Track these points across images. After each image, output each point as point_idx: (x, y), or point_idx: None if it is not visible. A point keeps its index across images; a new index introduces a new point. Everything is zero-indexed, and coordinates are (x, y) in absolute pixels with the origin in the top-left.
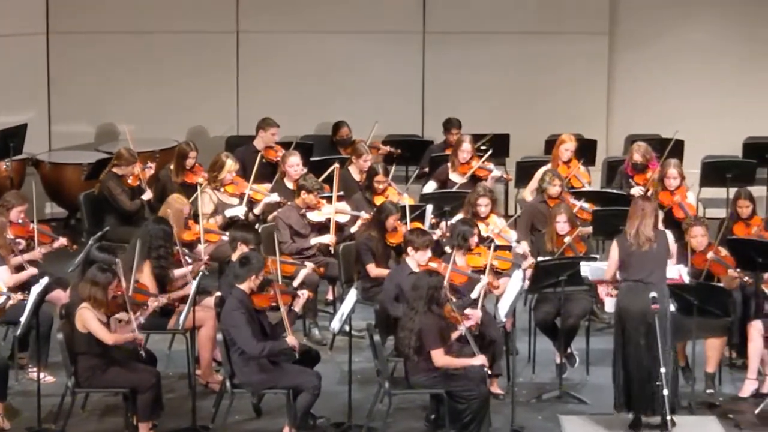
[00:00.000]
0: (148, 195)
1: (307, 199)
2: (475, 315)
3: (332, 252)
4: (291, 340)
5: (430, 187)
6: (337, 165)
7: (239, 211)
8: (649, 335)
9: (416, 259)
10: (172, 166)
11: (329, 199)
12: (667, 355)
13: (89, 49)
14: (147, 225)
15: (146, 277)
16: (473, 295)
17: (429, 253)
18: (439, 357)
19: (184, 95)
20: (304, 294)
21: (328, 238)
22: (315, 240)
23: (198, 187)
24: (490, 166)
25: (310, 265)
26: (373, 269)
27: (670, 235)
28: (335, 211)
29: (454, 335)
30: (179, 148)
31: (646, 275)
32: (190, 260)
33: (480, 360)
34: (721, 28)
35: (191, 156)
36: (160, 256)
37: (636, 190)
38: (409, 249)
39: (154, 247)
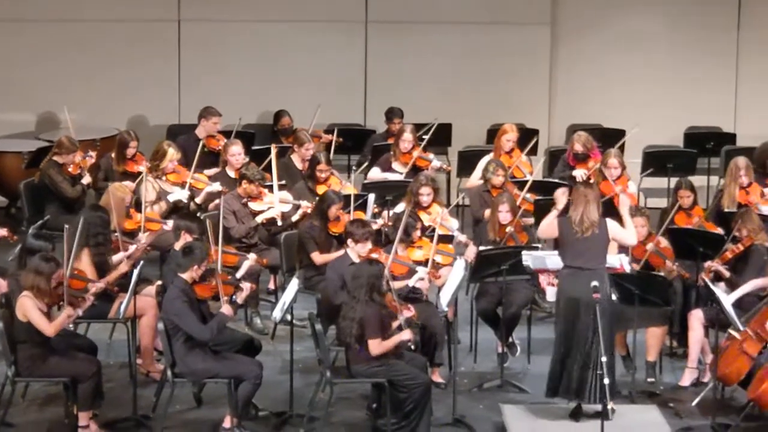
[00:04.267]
0: (87, 179)
1: (248, 189)
2: (424, 282)
3: (278, 227)
4: (227, 309)
5: (375, 173)
6: (274, 145)
7: (182, 195)
8: (590, 323)
9: (356, 251)
10: (113, 155)
11: (272, 189)
12: (608, 343)
13: (31, 38)
14: (83, 213)
15: (85, 265)
16: (410, 283)
17: (369, 245)
18: (376, 346)
19: (126, 84)
20: (246, 287)
21: (275, 212)
22: (261, 216)
23: (140, 175)
24: (430, 156)
25: (252, 257)
26: (318, 257)
27: (611, 223)
28: (278, 200)
29: (395, 324)
30: (120, 136)
31: (586, 261)
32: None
33: (407, 334)
34: (663, 19)
35: (132, 145)
36: (99, 244)
37: (578, 173)
38: (349, 241)
39: (92, 235)
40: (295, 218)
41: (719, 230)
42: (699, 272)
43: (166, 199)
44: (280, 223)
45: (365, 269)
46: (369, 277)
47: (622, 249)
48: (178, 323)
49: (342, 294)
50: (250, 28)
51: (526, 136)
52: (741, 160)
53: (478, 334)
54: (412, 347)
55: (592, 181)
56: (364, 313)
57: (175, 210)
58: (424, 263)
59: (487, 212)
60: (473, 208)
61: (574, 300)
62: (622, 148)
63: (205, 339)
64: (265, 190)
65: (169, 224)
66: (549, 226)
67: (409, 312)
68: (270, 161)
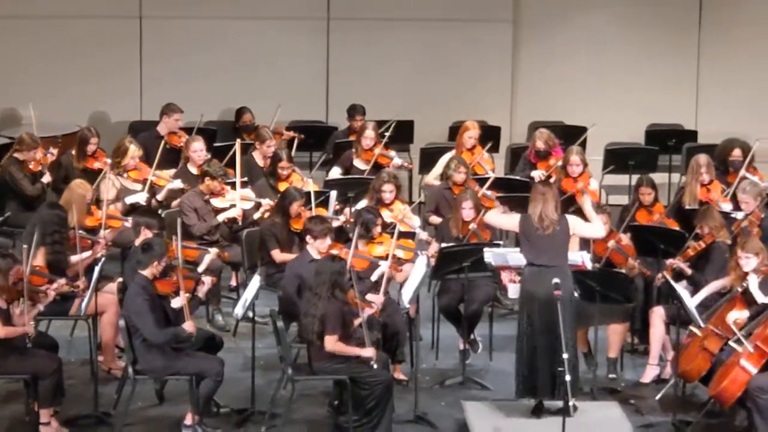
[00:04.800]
0: (47, 178)
1: (211, 186)
2: (377, 299)
3: (236, 233)
4: (189, 326)
5: (335, 173)
6: (238, 142)
7: (140, 198)
8: (552, 321)
9: (316, 247)
10: (73, 152)
11: (234, 186)
12: (569, 340)
13: None
14: (41, 211)
15: (41, 263)
16: (373, 278)
17: (328, 241)
18: (331, 342)
19: (87, 80)
20: (207, 280)
21: (235, 212)
22: (222, 216)
23: (101, 172)
24: (392, 153)
25: (213, 251)
26: (278, 255)
27: (572, 219)
28: (240, 198)
29: (357, 321)
30: (80, 133)
31: (548, 259)
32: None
33: (369, 352)
34: (625, 17)
35: (92, 142)
36: (55, 242)
37: (537, 173)
38: (308, 237)
39: (48, 233)
40: (257, 216)
41: (680, 227)
42: (660, 269)
43: (123, 201)
44: (240, 223)
45: (327, 266)
46: (331, 274)
47: (584, 246)
48: (136, 321)
49: (299, 300)
50: (212, 24)
51: (488, 134)
52: (702, 158)
53: (439, 331)
54: (374, 366)
55: (553, 178)
56: (326, 310)
57: (135, 207)
58: (385, 259)
59: (434, 218)
60: (427, 207)
61: (536, 297)
62: (583, 146)
63: (157, 342)
64: (228, 187)
65: (131, 221)
66: (509, 219)
67: (371, 309)
68: (231, 158)
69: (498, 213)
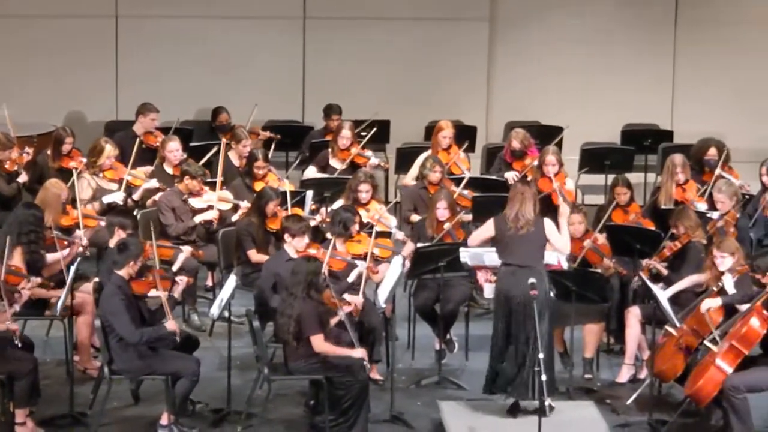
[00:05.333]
0: (23, 178)
1: (190, 185)
2: (356, 300)
3: (213, 233)
4: (171, 325)
5: (311, 172)
6: (223, 141)
7: (117, 197)
8: (528, 320)
9: (293, 246)
10: (49, 152)
11: (211, 186)
12: (545, 340)
13: None
14: (16, 210)
15: (17, 263)
16: (350, 279)
17: (306, 239)
18: (319, 343)
19: (63, 80)
20: (183, 280)
21: (212, 214)
22: (199, 217)
23: (74, 172)
24: (368, 153)
25: (187, 249)
26: (254, 255)
27: (549, 224)
28: (218, 198)
29: (333, 321)
30: (56, 133)
31: (524, 259)
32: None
33: (359, 353)
34: (601, 16)
35: (68, 141)
36: (31, 242)
37: (510, 175)
38: (286, 236)
39: (24, 233)
40: (234, 218)
41: (656, 227)
42: (636, 269)
43: (100, 201)
44: (215, 226)
45: (303, 266)
46: (307, 274)
47: None
48: (112, 321)
49: (274, 298)
50: (188, 24)
51: (464, 133)
52: (678, 158)
53: (415, 330)
54: (367, 365)
55: (529, 178)
56: (302, 310)
57: (111, 207)
58: (363, 258)
59: (413, 217)
60: (404, 207)
61: (512, 297)
62: (559, 145)
63: (133, 342)
64: (206, 188)
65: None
66: (484, 228)
67: (348, 307)
68: (208, 158)
69: (474, 234)
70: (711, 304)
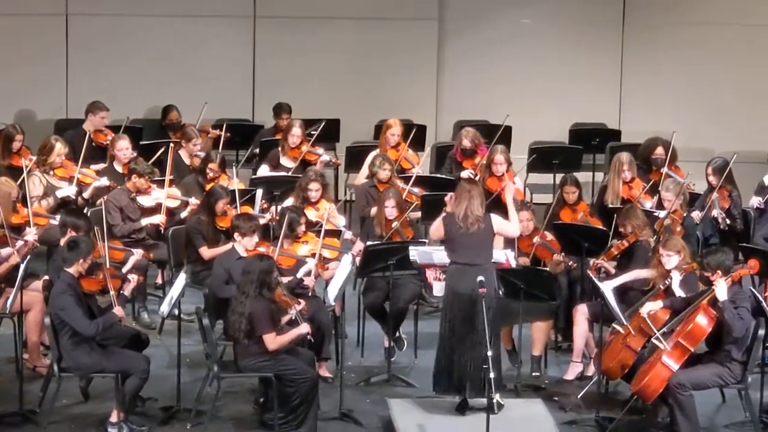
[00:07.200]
0: None
1: (137, 183)
2: (310, 280)
3: (162, 232)
4: (118, 311)
5: (264, 171)
6: (172, 144)
7: (70, 191)
8: (476, 318)
9: (243, 245)
10: None
11: (160, 184)
12: (494, 337)
13: None
14: None
15: None
16: (299, 275)
17: (256, 238)
18: (271, 340)
19: (12, 78)
20: (133, 279)
21: (158, 219)
22: (146, 221)
23: (24, 169)
24: (319, 150)
25: (138, 251)
26: (206, 251)
27: (495, 217)
28: (166, 195)
29: (285, 319)
30: (5, 131)
31: (473, 257)
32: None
33: (305, 328)
34: (550, 15)
35: (17, 139)
36: None
37: (465, 173)
38: (236, 234)
39: None
40: (184, 215)
41: (604, 225)
42: (584, 267)
43: (54, 195)
44: (163, 231)
45: (256, 264)
46: (260, 272)
47: (508, 244)
48: (64, 318)
49: (228, 288)
50: (138, 22)
51: (414, 133)
52: (624, 156)
53: (365, 328)
54: (311, 339)
55: (477, 177)
56: (253, 309)
57: (63, 205)
58: (312, 257)
59: (373, 210)
60: (358, 205)
61: (460, 295)
62: (508, 144)
63: (89, 334)
64: (154, 186)
65: (58, 219)
66: (437, 227)
67: (299, 305)
68: (158, 156)
69: (431, 229)
70: (652, 307)
